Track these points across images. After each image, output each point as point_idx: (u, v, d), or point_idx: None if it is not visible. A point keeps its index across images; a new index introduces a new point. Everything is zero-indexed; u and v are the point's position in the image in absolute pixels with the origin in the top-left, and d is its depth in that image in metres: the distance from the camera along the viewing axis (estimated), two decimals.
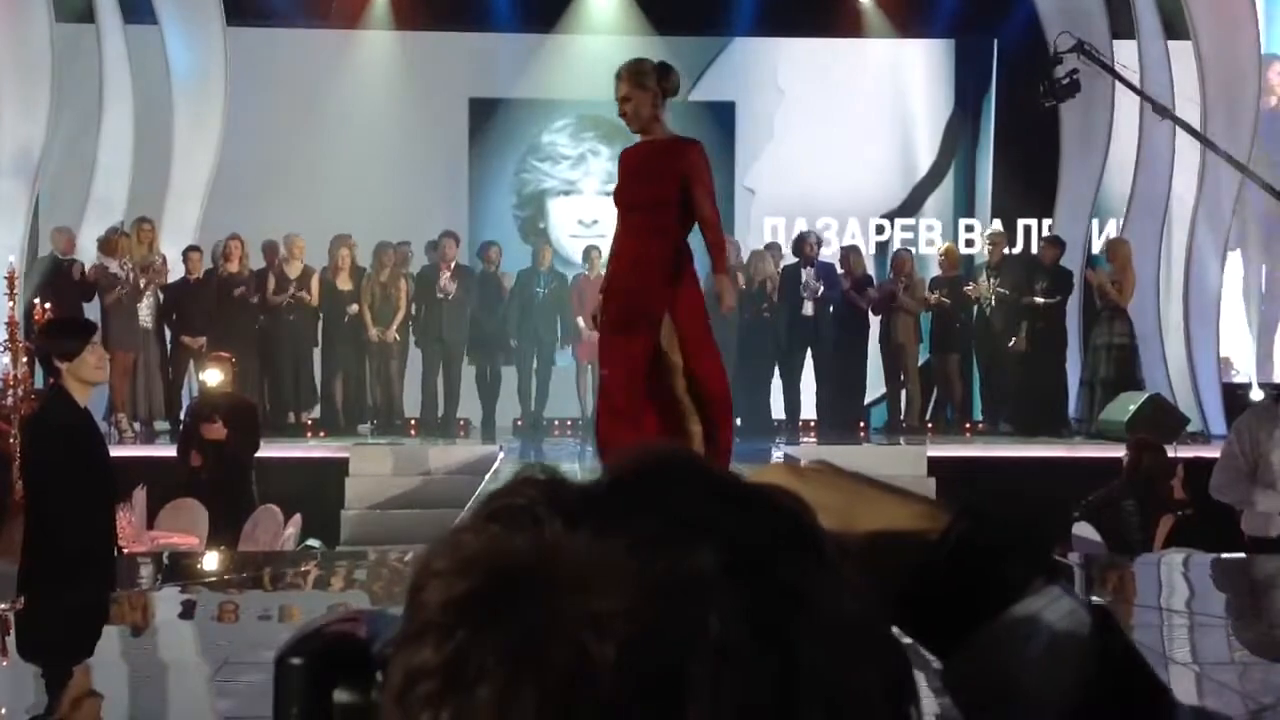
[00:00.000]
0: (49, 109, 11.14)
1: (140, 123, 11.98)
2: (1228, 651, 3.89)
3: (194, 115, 12.09)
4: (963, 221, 13.49)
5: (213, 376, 7.84)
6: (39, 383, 7.65)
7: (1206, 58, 11.26)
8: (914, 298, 11.33)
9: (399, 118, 12.95)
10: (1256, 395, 12.08)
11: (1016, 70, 12.72)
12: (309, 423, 11.12)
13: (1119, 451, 7.40)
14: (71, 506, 4.23)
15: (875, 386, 11.69)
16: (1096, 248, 12.43)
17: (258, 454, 7.75)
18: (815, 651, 0.46)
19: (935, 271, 11.82)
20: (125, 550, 5.57)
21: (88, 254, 10.78)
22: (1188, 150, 11.32)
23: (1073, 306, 11.35)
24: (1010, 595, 0.61)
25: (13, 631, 3.87)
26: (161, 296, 10.73)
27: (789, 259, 11.56)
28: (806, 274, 11.23)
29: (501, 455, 9.49)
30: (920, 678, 0.51)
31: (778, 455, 9.28)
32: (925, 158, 13.61)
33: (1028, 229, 12.95)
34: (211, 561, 5.77)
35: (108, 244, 10.61)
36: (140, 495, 7.22)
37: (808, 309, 11.18)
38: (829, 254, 11.80)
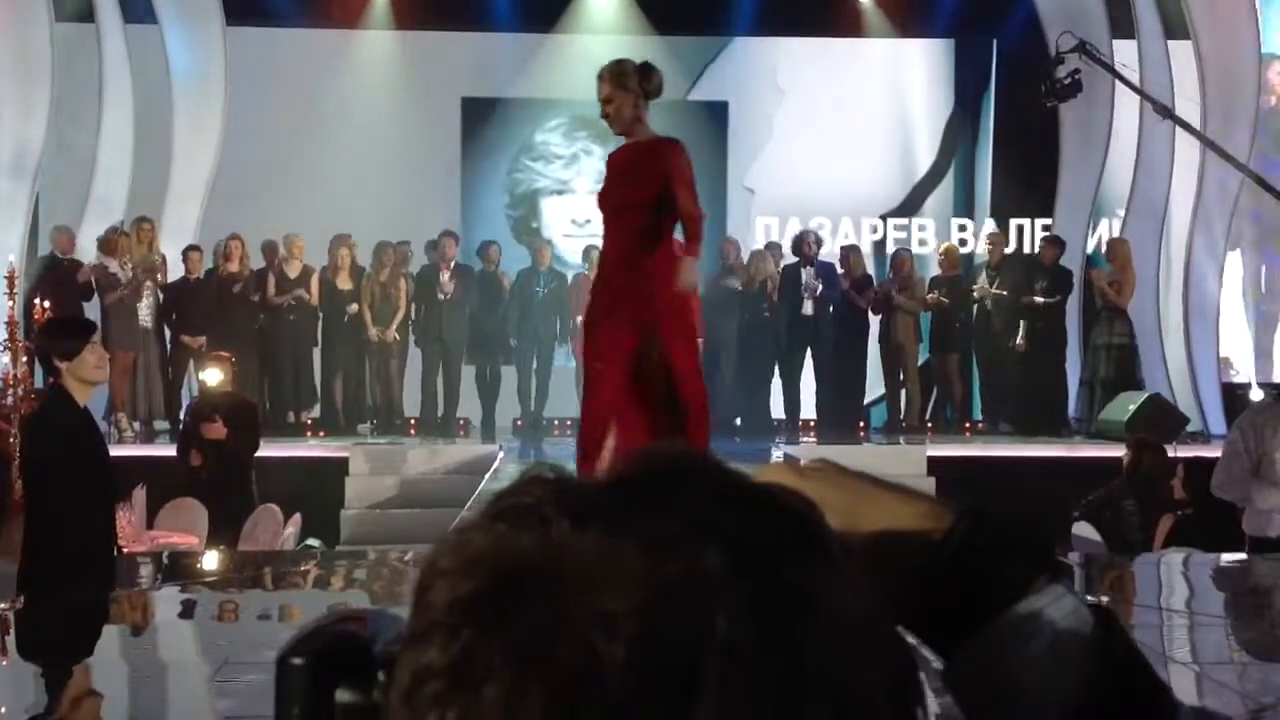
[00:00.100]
0: (49, 109, 11.14)
1: (140, 122, 11.98)
2: (1228, 651, 3.89)
3: (194, 115, 12.09)
4: (955, 221, 13.48)
5: (212, 376, 7.84)
6: (39, 382, 7.65)
7: (1206, 57, 11.26)
8: (913, 297, 11.33)
9: (399, 117, 12.95)
10: (1256, 395, 12.09)
11: (1016, 70, 12.71)
12: (309, 422, 11.12)
13: (1119, 451, 7.41)
14: (71, 506, 4.22)
15: (875, 386, 11.69)
16: (1095, 247, 12.43)
17: (258, 453, 7.75)
18: (821, 651, 0.46)
19: (935, 271, 11.83)
20: (125, 550, 5.57)
21: (88, 253, 10.78)
22: (1187, 150, 11.32)
23: (1072, 306, 11.34)
24: (1012, 595, 0.61)
25: (12, 631, 3.87)
26: (161, 296, 10.73)
27: (789, 259, 11.56)
28: (806, 274, 11.23)
29: (501, 455, 9.49)
30: (921, 677, 0.51)
31: (777, 455, 9.28)
32: (925, 157, 13.61)
33: (1021, 228, 12.94)
34: (211, 561, 5.77)
35: (108, 244, 10.61)
36: (140, 495, 7.22)
37: (807, 309, 11.19)
38: (829, 254, 11.81)
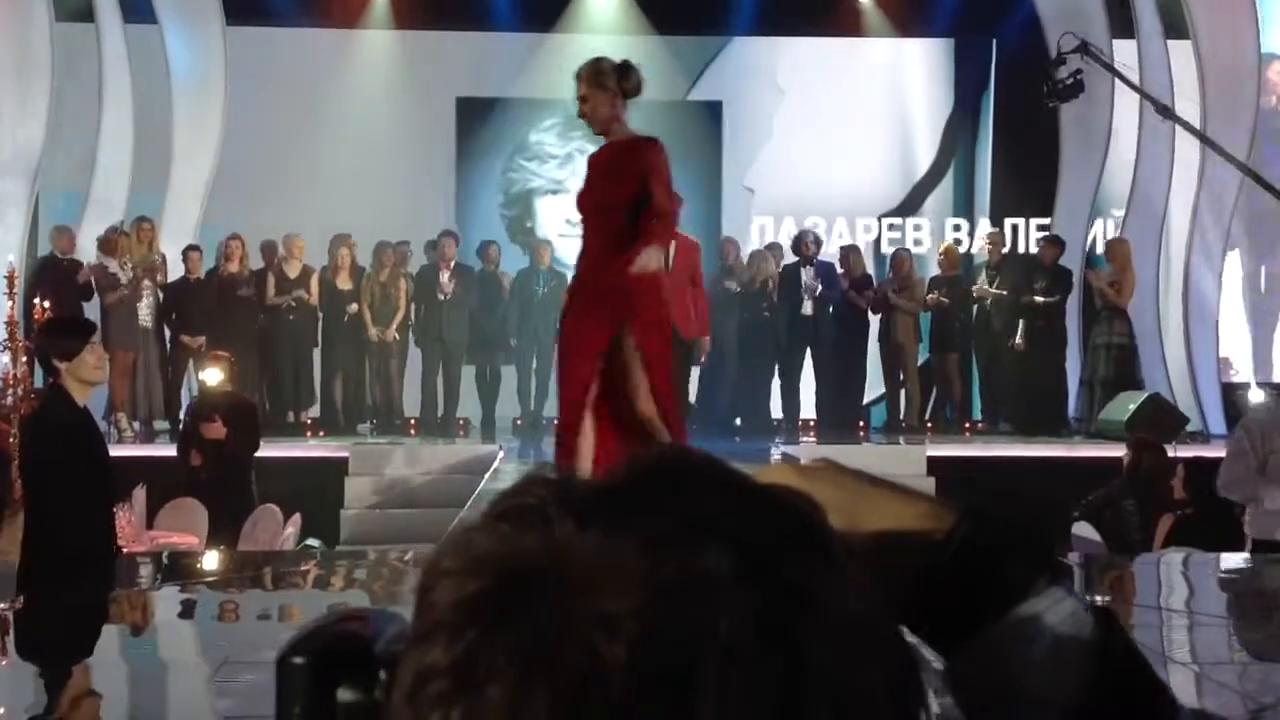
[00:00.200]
0: (49, 109, 11.14)
1: (140, 122, 11.98)
2: (1228, 651, 3.89)
3: (194, 115, 12.08)
4: (950, 221, 13.48)
5: (212, 376, 7.84)
6: (39, 382, 7.65)
7: (1206, 57, 11.26)
8: (913, 298, 11.34)
9: (399, 117, 12.95)
10: (1255, 395, 12.09)
11: (1016, 70, 12.71)
12: (309, 422, 11.12)
13: (1119, 451, 7.41)
14: (71, 506, 4.22)
15: (875, 386, 11.69)
16: (1096, 247, 12.43)
17: (257, 453, 7.75)
18: (822, 651, 0.46)
19: (935, 271, 11.83)
20: (125, 550, 5.57)
21: (87, 253, 10.78)
22: (1187, 150, 11.32)
23: (1072, 306, 11.34)
24: (1013, 596, 0.62)
25: (12, 631, 3.87)
26: (161, 296, 10.73)
27: (789, 259, 11.56)
28: (806, 274, 11.23)
29: (501, 455, 9.49)
30: (923, 678, 0.51)
31: (777, 455, 9.29)
32: (925, 157, 13.61)
33: (1015, 228, 12.93)
34: (211, 561, 5.77)
35: (107, 243, 10.61)
36: (140, 495, 7.22)
37: (807, 309, 11.19)
38: (828, 254, 11.81)
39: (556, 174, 13.23)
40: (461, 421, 11.37)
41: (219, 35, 12.21)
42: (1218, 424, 11.31)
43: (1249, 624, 4.31)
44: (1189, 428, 10.22)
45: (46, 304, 8.62)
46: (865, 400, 11.71)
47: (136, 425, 10.49)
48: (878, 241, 13.24)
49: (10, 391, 7.99)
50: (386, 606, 0.57)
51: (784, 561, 0.48)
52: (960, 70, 13.55)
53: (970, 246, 13.06)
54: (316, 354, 11.25)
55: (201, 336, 10.44)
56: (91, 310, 9.97)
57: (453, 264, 11.30)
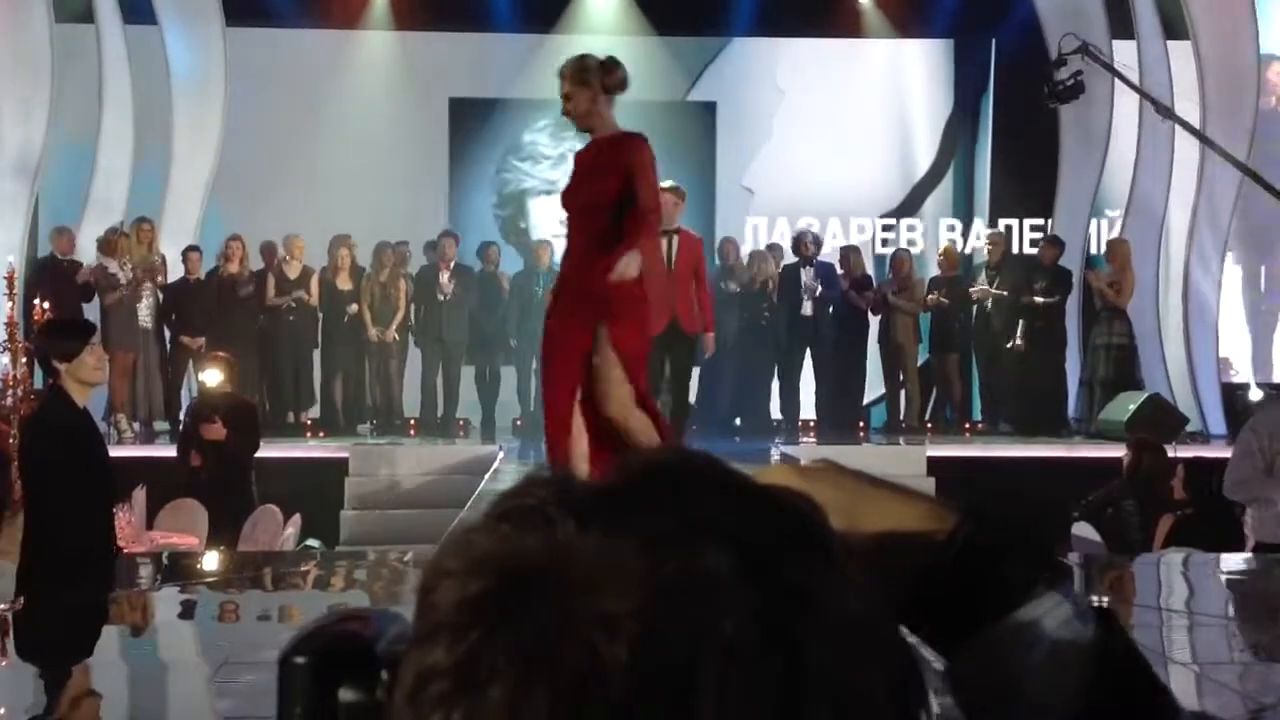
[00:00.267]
0: (49, 109, 11.14)
1: (140, 123, 11.97)
2: (1227, 651, 3.89)
3: (194, 115, 12.08)
4: (944, 221, 13.47)
5: (212, 377, 7.84)
6: (39, 383, 7.65)
7: (1205, 58, 11.26)
8: (912, 298, 11.34)
9: (399, 118, 12.95)
10: (1255, 395, 12.10)
11: (1015, 70, 12.71)
12: (308, 423, 11.12)
13: (1119, 451, 7.41)
14: (70, 507, 4.22)
15: (874, 386, 11.69)
16: (1095, 247, 12.43)
17: (257, 454, 7.75)
18: (822, 652, 0.46)
19: (934, 271, 11.83)
20: (125, 550, 5.57)
21: (87, 254, 10.78)
22: (1187, 150, 11.32)
23: (1072, 306, 11.34)
24: (1014, 598, 0.62)
25: (12, 631, 3.87)
26: (161, 297, 10.73)
27: (789, 259, 11.57)
28: (805, 274, 11.24)
29: (501, 455, 9.48)
30: (923, 678, 0.51)
31: (776, 455, 9.29)
32: (924, 158, 13.61)
33: (1009, 228, 12.91)
34: (211, 562, 5.77)
35: (107, 244, 10.61)
36: (140, 495, 7.22)
37: (807, 309, 11.19)
38: (828, 254, 11.81)
39: (550, 174, 13.22)
40: (461, 422, 11.37)
41: (219, 36, 12.21)
42: (1217, 424, 11.32)
43: (1249, 624, 4.31)
44: (1189, 428, 10.22)
45: (46, 305, 8.62)
46: (865, 401, 11.71)
47: (136, 426, 10.49)
48: (871, 242, 13.22)
49: (10, 392, 7.99)
50: (387, 607, 0.57)
51: (784, 562, 0.48)
52: (960, 71, 13.54)
53: (964, 247, 13.05)
54: (316, 354, 11.25)
55: (201, 337, 10.44)
56: (91, 311, 9.97)
57: (453, 264, 11.30)
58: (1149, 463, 6.94)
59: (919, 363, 11.46)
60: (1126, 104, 11.41)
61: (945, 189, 13.65)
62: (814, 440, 10.73)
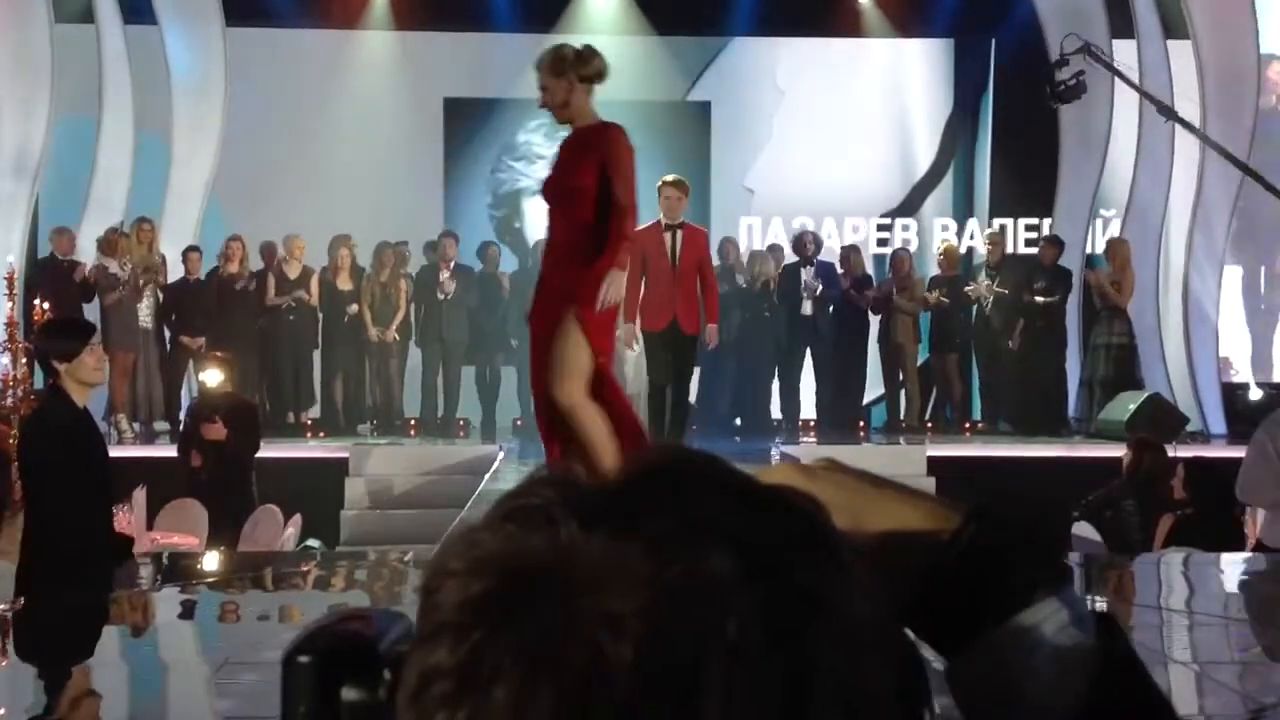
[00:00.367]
0: (49, 109, 11.15)
1: (140, 123, 11.98)
2: (1227, 651, 3.89)
3: (194, 116, 12.08)
4: (938, 221, 13.47)
5: (212, 377, 7.84)
6: (39, 383, 7.65)
7: (1205, 57, 11.26)
8: (912, 298, 11.34)
9: (399, 118, 12.96)
10: (1255, 395, 12.11)
11: (1015, 70, 12.72)
12: (309, 423, 11.12)
13: (1119, 451, 7.40)
14: (70, 507, 4.22)
15: (874, 386, 11.69)
16: (1094, 247, 12.43)
17: (258, 454, 7.75)
18: (830, 654, 0.46)
19: (934, 271, 11.83)
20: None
21: (87, 254, 10.78)
22: (1187, 150, 11.33)
23: (1072, 306, 11.35)
24: (1018, 601, 0.61)
25: (12, 632, 3.86)
26: (161, 297, 10.74)
27: (790, 259, 11.57)
28: (806, 274, 11.24)
29: (501, 455, 9.49)
30: (929, 678, 0.51)
31: (776, 455, 9.29)
32: (924, 157, 13.61)
33: (1003, 228, 12.89)
34: (211, 562, 5.77)
35: (107, 244, 10.61)
36: (140, 495, 7.22)
37: (807, 309, 11.19)
38: (828, 254, 11.82)
39: (544, 174, 13.20)
40: (461, 422, 11.37)
41: (219, 36, 12.21)
42: (1218, 424, 11.32)
43: (1249, 624, 4.30)
44: (1189, 428, 10.22)
45: (46, 305, 8.62)
46: (865, 400, 11.71)
47: (137, 426, 10.50)
48: (867, 241, 13.21)
49: (10, 392, 8.00)
50: (388, 607, 0.57)
51: (790, 563, 0.48)
52: (960, 71, 13.55)
53: (960, 245, 13.04)
54: (316, 355, 11.25)
55: (201, 337, 10.44)
56: (91, 311, 9.98)
57: (453, 264, 11.31)
58: (1149, 462, 6.93)
59: (919, 362, 11.47)
60: (1126, 104, 11.42)
61: (945, 189, 13.65)
62: (814, 440, 10.73)
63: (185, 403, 9.94)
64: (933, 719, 0.50)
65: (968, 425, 11.37)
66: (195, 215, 12.10)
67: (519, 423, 11.50)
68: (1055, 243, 11.38)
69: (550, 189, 4.94)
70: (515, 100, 12.94)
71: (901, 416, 11.37)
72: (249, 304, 10.84)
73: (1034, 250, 12.43)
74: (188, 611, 4.42)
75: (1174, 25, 11.56)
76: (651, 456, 0.52)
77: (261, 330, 10.92)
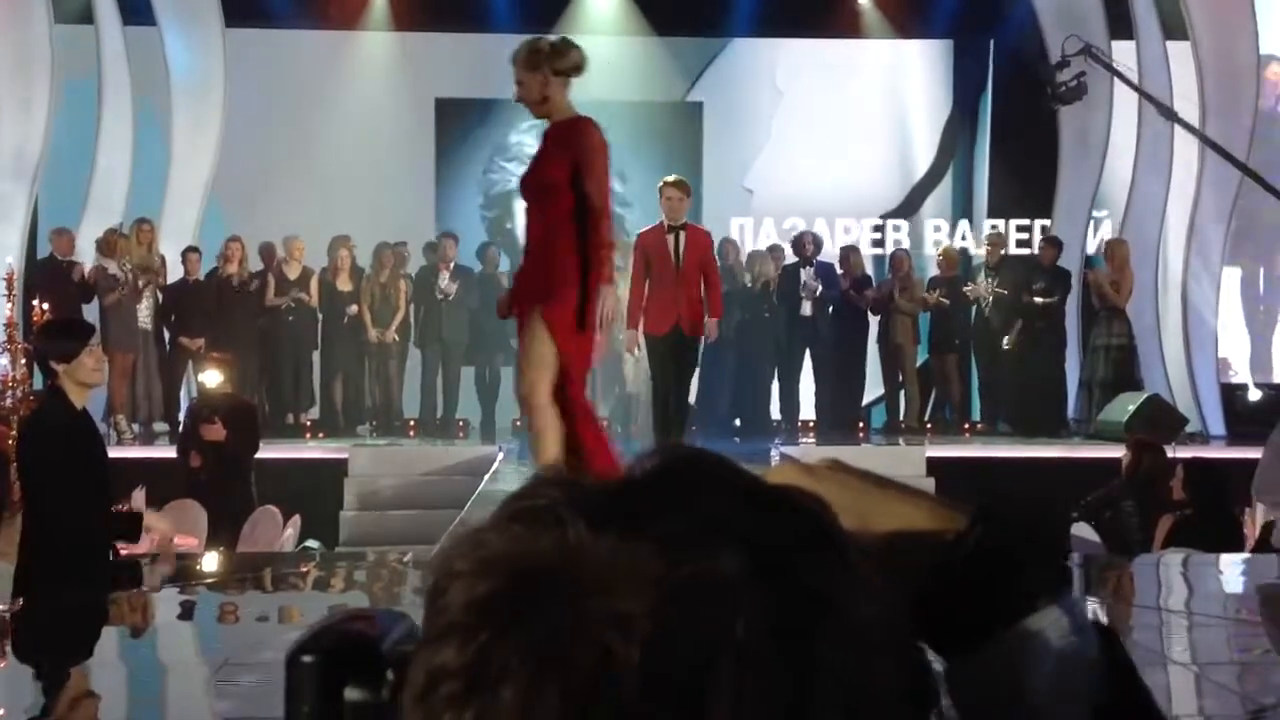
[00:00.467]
0: (48, 110, 11.14)
1: (139, 124, 11.98)
2: (1226, 652, 3.89)
3: (193, 116, 12.08)
4: (942, 221, 13.47)
5: (212, 378, 7.84)
6: (39, 384, 7.64)
7: (1205, 58, 11.26)
8: (912, 298, 11.34)
9: (399, 119, 12.96)
10: (1254, 396, 12.11)
11: (1014, 71, 12.73)
12: (308, 424, 11.12)
13: (1118, 452, 7.40)
14: (69, 508, 4.22)
15: (874, 387, 11.70)
16: (1094, 248, 12.43)
17: (257, 455, 7.75)
18: (838, 655, 0.46)
19: (934, 272, 11.84)
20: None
21: (87, 255, 10.78)
22: (1186, 150, 11.33)
23: (1071, 307, 11.35)
24: (1022, 606, 0.61)
25: (11, 632, 3.86)
26: (160, 298, 10.74)
27: (789, 259, 11.57)
28: (805, 274, 11.25)
29: (501, 456, 9.48)
30: (935, 679, 0.52)
31: (776, 456, 9.29)
32: (923, 158, 13.61)
33: (995, 228, 12.88)
34: (210, 563, 5.77)
35: (107, 245, 10.60)
36: (139, 496, 7.20)
37: (806, 309, 11.20)
38: (828, 254, 11.82)
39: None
40: (461, 423, 11.37)
41: (218, 37, 12.21)
42: (1217, 425, 11.33)
43: (1248, 624, 4.30)
44: (1188, 428, 10.22)
45: (45, 306, 8.62)
46: (865, 401, 11.71)
47: (136, 427, 10.49)
48: (886, 243, 13.21)
49: (10, 393, 7.99)
50: (389, 608, 0.57)
51: (799, 564, 0.48)
52: (959, 71, 13.56)
53: (953, 243, 13.05)
54: (316, 355, 11.25)
55: (201, 338, 10.44)
56: (91, 312, 9.97)
57: (452, 265, 11.31)
58: (1148, 463, 6.94)
59: (918, 363, 11.47)
60: (1125, 105, 11.42)
61: (944, 189, 13.65)
62: (813, 441, 10.73)
63: (184, 403, 9.94)
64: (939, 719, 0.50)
65: (967, 426, 11.38)
66: (194, 216, 12.10)
67: (518, 423, 11.47)
68: (1054, 243, 11.39)
69: (525, 184, 4.91)
70: (508, 101, 12.93)
71: (901, 417, 11.37)
72: (248, 305, 10.84)
73: (1027, 251, 12.45)
74: (187, 612, 4.42)
75: (1173, 26, 11.56)
76: (659, 457, 0.52)
77: (261, 331, 10.92)
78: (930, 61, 13.59)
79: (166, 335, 10.85)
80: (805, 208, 12.98)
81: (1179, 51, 11.46)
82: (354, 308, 11.11)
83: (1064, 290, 11.11)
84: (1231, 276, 12.40)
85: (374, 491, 9.26)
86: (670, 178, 8.14)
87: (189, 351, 10.52)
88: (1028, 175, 12.74)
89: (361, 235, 11.41)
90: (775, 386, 11.51)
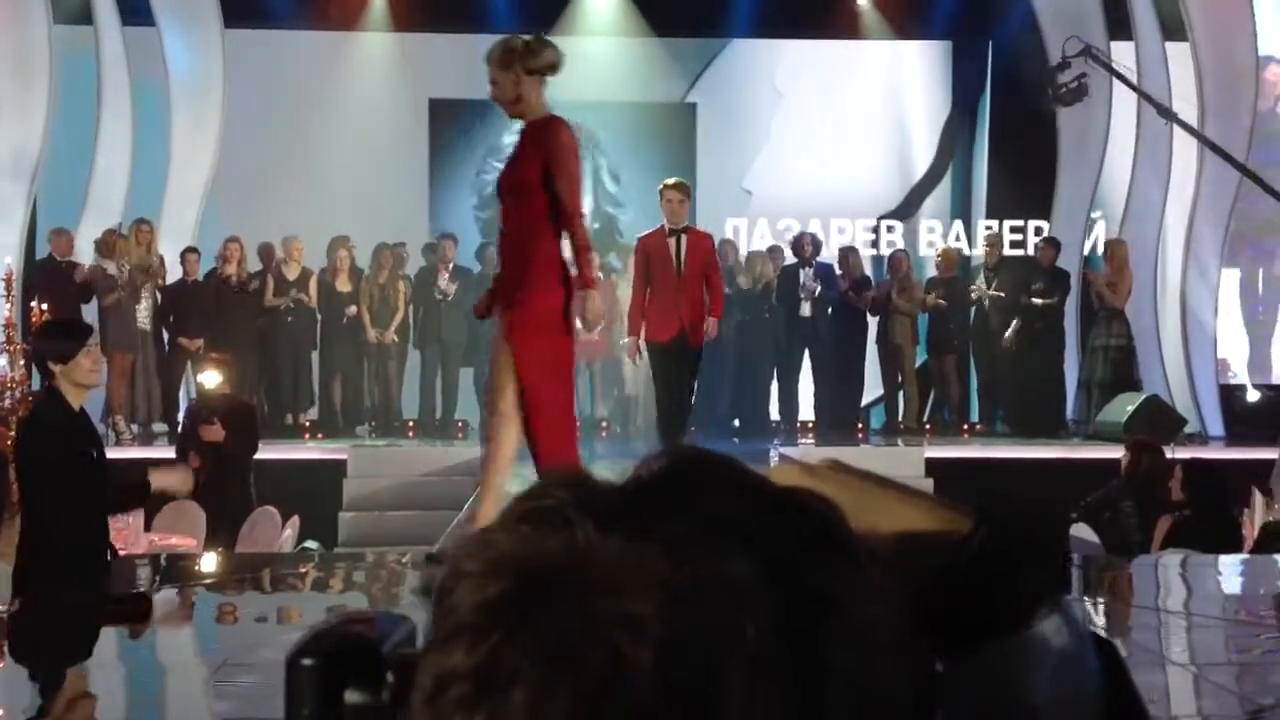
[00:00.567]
0: (47, 110, 11.14)
1: (138, 124, 11.98)
2: (1225, 653, 3.89)
3: (192, 117, 12.08)
4: (925, 223, 13.46)
5: (210, 378, 7.83)
6: (38, 384, 7.64)
7: (1204, 59, 11.27)
8: (910, 299, 11.35)
9: (397, 120, 12.96)
10: (1253, 396, 12.11)
11: (1013, 72, 12.73)
12: (307, 424, 11.12)
13: (1117, 452, 7.40)
14: (66, 509, 4.22)
15: (873, 388, 11.70)
16: (1092, 248, 12.44)
17: (256, 455, 7.75)
18: (845, 656, 0.46)
19: (932, 273, 11.84)
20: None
21: (85, 255, 10.77)
22: (1185, 151, 11.33)
23: (1070, 307, 11.36)
24: (1024, 613, 0.61)
25: (9, 633, 3.86)
26: (159, 298, 10.73)
27: (788, 260, 11.57)
28: (804, 275, 11.25)
29: None
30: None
31: (775, 456, 9.29)
32: (922, 159, 13.61)
33: (989, 229, 12.88)
34: (209, 563, 5.77)
35: (105, 245, 10.60)
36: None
37: (805, 310, 11.20)
38: (827, 255, 11.82)
39: None
40: (460, 423, 11.37)
41: (217, 37, 12.21)
42: (1216, 425, 11.33)
43: (1247, 625, 4.30)
44: (1187, 429, 10.23)
45: (44, 306, 8.61)
46: (864, 402, 11.71)
47: (134, 428, 10.49)
48: (886, 244, 13.20)
49: (8, 394, 7.99)
50: (388, 609, 0.57)
51: (806, 565, 0.48)
52: (958, 72, 13.56)
53: (948, 242, 13.04)
54: (315, 356, 11.25)
55: (199, 339, 10.44)
56: (89, 313, 9.96)
57: (451, 266, 11.31)
58: (1147, 464, 6.94)
59: (917, 364, 11.47)
60: (1124, 105, 11.42)
61: (943, 190, 13.66)
62: (812, 441, 10.73)
63: (183, 404, 9.93)
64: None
65: (966, 427, 11.38)
66: (193, 216, 12.09)
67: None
68: (1053, 244, 11.39)
69: (501, 184, 4.90)
70: None
71: (900, 418, 11.38)
72: (247, 305, 10.84)
73: (1023, 252, 12.45)
74: (186, 613, 4.41)
75: (1172, 27, 11.57)
76: (666, 458, 0.52)
77: (260, 331, 10.92)
78: (929, 63, 13.59)
79: (165, 336, 10.84)
80: (804, 209, 12.98)
81: (1178, 52, 11.47)
82: (353, 308, 11.11)
83: (1063, 291, 11.12)
84: (1230, 277, 12.40)
85: (373, 492, 9.26)
86: (671, 180, 8.00)
87: (188, 352, 10.51)
88: (1026, 176, 12.75)
89: (360, 236, 11.42)
90: (774, 387, 11.51)
